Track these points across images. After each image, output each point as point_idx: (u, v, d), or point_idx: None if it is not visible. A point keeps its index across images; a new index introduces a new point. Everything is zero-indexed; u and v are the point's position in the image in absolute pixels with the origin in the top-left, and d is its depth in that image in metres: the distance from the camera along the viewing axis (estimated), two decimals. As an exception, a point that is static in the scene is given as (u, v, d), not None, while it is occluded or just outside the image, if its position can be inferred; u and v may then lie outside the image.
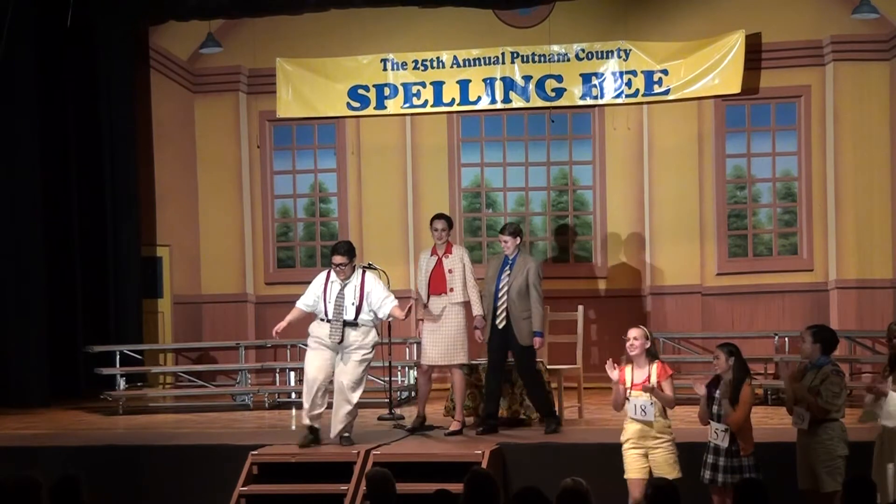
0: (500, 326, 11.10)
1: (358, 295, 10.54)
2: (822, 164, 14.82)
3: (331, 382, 10.62)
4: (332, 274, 10.67)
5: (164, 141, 15.97)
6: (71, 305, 14.84)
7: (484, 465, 9.63)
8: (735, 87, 14.49)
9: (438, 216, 11.45)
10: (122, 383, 14.29)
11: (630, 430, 8.98)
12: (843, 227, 14.74)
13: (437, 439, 10.97)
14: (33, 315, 14.30)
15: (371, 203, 15.53)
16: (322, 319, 10.65)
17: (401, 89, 15.21)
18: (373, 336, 10.65)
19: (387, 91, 15.24)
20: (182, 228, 15.98)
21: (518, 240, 11.22)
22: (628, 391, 8.96)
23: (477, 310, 11.15)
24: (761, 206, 15.06)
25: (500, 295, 11.08)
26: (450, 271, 11.17)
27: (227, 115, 15.96)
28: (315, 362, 10.59)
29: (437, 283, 11.15)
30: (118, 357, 14.41)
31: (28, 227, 14.36)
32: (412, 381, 13.69)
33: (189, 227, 16.00)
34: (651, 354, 9.00)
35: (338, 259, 10.56)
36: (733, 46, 14.45)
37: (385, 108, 15.28)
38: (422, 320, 11.23)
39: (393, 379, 12.58)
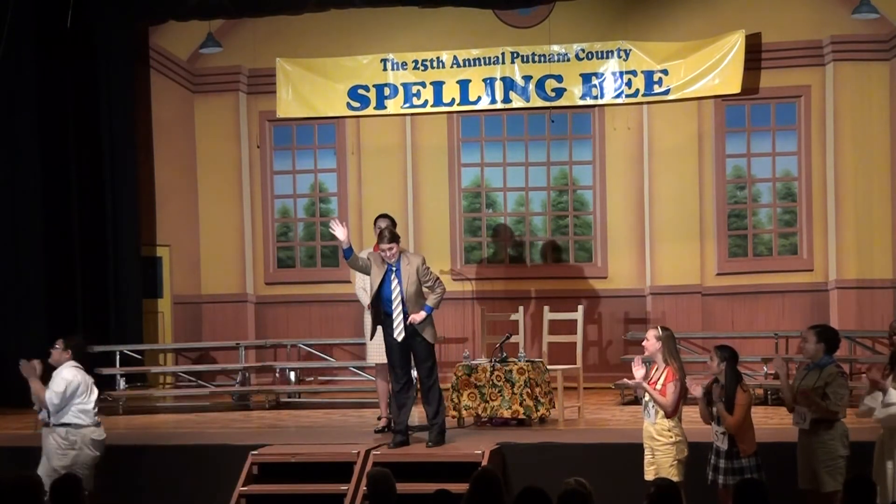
0: (400, 339, 10.48)
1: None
2: (822, 164, 14.82)
3: None
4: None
5: (164, 141, 15.97)
6: (71, 305, 14.83)
7: (483, 465, 9.63)
8: (735, 87, 14.47)
9: (383, 216, 11.47)
10: (122, 383, 14.30)
11: (643, 430, 9.07)
12: (843, 227, 14.73)
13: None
14: (33, 315, 14.30)
15: (371, 203, 15.51)
16: None
17: (401, 89, 15.20)
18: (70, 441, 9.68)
19: (387, 91, 15.22)
20: (182, 228, 15.98)
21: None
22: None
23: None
24: (761, 206, 15.06)
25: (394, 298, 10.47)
26: None
27: (227, 115, 15.96)
28: None
29: None
30: (118, 357, 14.43)
31: (28, 227, 14.36)
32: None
33: (189, 227, 16.00)
34: (667, 356, 9.02)
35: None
36: (733, 46, 14.43)
37: (385, 108, 15.26)
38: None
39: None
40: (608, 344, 15.01)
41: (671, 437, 8.92)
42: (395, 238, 10.42)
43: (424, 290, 10.44)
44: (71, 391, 9.81)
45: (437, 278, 10.55)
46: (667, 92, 14.70)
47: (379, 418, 11.58)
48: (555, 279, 15.27)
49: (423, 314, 10.33)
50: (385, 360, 11.18)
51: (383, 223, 11.35)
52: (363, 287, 11.39)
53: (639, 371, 9.05)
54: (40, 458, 9.92)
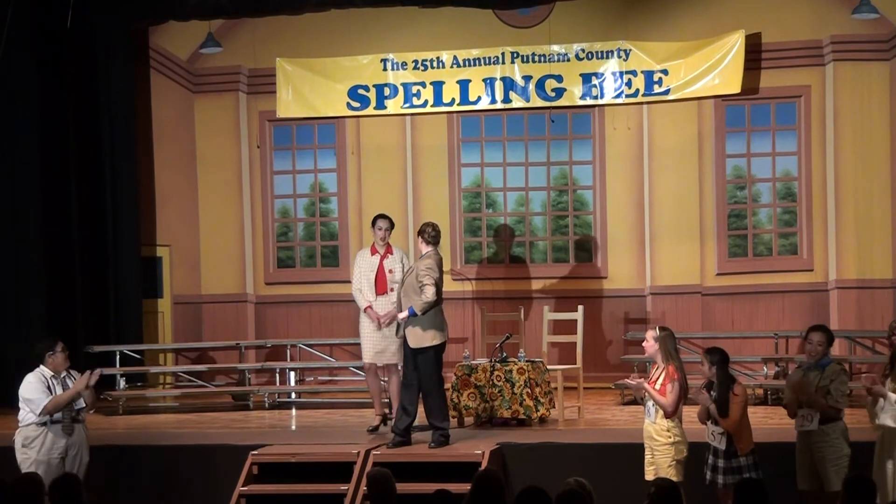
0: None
1: None
2: (822, 164, 14.82)
3: None
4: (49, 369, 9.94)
5: (164, 141, 15.97)
6: (71, 305, 14.82)
7: (483, 465, 9.64)
8: (735, 87, 14.47)
9: (383, 216, 11.52)
10: (122, 383, 14.31)
11: (644, 430, 9.07)
12: (843, 227, 14.74)
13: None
14: (33, 315, 14.29)
15: (371, 203, 15.50)
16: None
17: (401, 89, 15.20)
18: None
19: (387, 91, 15.23)
20: (182, 228, 15.99)
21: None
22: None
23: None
24: (761, 206, 15.06)
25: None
26: (390, 272, 11.24)
27: (227, 115, 15.97)
28: None
29: (381, 284, 11.23)
30: (118, 357, 14.43)
31: (28, 227, 14.36)
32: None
33: (189, 227, 16.00)
34: (666, 356, 9.03)
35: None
36: (733, 46, 14.43)
37: (385, 108, 15.26)
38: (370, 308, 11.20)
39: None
40: (608, 344, 15.01)
41: (670, 437, 8.92)
42: (425, 240, 10.54)
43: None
44: None
45: (426, 285, 10.28)
46: (667, 92, 14.70)
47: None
48: (555, 279, 15.28)
49: (405, 313, 10.39)
50: (375, 360, 11.35)
51: (383, 223, 11.38)
52: (359, 288, 11.40)
53: (634, 381, 9.14)
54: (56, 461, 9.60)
